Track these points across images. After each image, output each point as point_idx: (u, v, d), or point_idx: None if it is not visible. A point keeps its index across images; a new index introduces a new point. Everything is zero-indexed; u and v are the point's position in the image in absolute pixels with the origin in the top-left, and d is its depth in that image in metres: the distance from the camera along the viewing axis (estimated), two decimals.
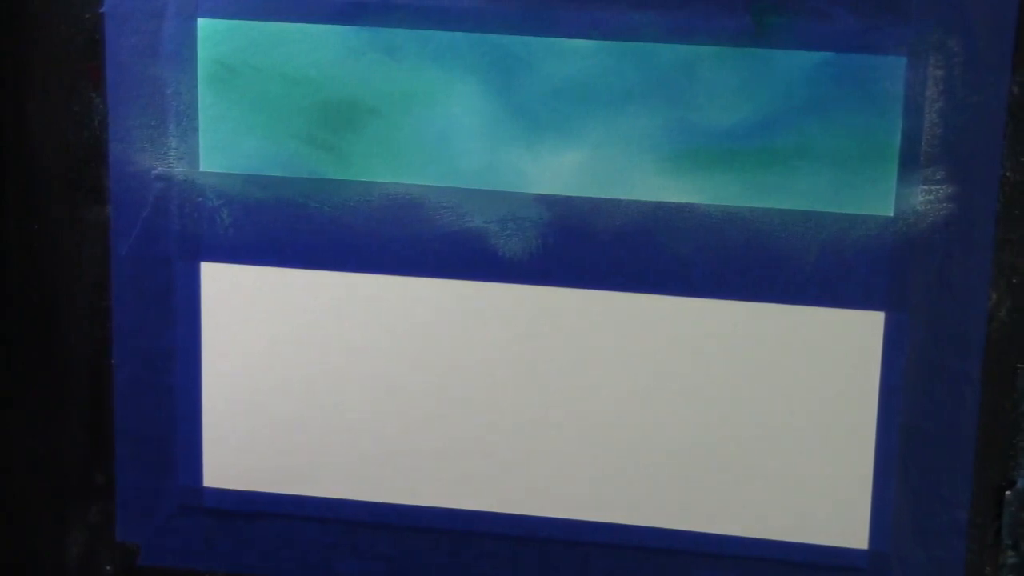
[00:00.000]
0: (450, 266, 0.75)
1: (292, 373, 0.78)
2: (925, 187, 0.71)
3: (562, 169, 0.73)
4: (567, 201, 0.73)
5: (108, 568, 0.82)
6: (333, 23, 0.73)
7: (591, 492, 0.77)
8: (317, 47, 0.74)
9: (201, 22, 0.74)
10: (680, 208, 0.73)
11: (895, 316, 0.72)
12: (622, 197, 0.73)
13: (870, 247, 0.72)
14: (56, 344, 0.80)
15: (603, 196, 0.73)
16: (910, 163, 0.71)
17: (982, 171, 0.71)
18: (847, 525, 0.75)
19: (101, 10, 0.75)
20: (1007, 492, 0.74)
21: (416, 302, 0.76)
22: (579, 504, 0.77)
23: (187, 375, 0.79)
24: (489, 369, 0.76)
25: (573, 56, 0.72)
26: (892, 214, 0.71)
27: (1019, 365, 0.73)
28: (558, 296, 0.75)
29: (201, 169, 0.76)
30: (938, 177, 0.71)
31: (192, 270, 0.77)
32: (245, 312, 0.77)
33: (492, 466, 0.77)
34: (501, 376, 0.76)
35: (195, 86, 0.75)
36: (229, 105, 0.75)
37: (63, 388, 0.81)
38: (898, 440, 0.74)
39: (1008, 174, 0.71)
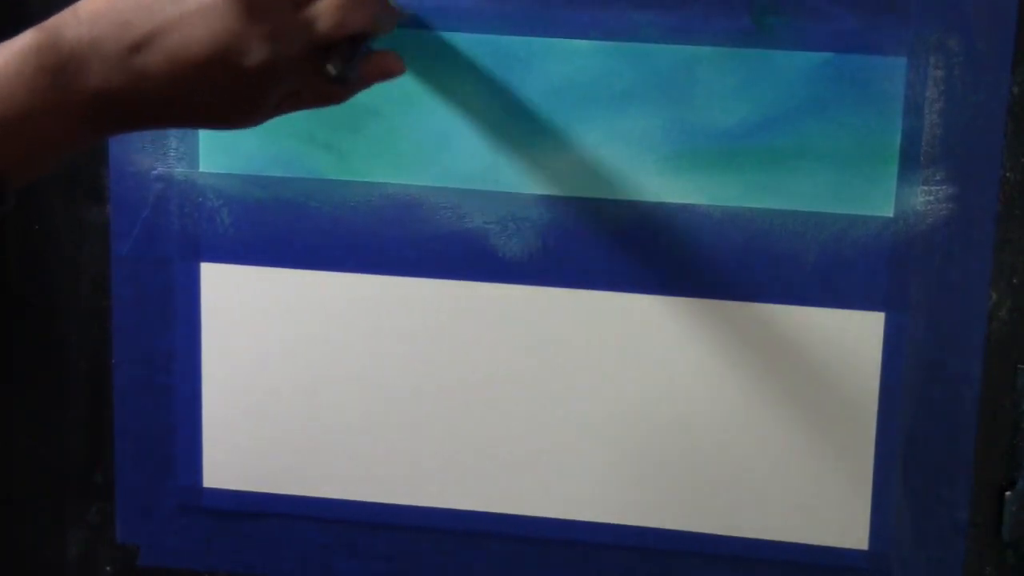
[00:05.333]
0: (450, 266, 0.75)
1: (292, 373, 0.78)
2: (925, 187, 0.71)
3: (562, 169, 0.73)
4: (567, 201, 0.73)
5: (108, 568, 0.82)
6: None
7: (591, 492, 0.77)
8: None
9: None
10: (680, 208, 0.73)
11: (895, 316, 0.72)
12: (622, 197, 0.73)
13: (870, 247, 0.72)
14: (56, 344, 0.80)
15: (603, 196, 0.73)
16: (910, 163, 0.71)
17: (982, 171, 0.71)
18: (847, 525, 0.75)
19: None
20: (1007, 492, 0.74)
21: (416, 302, 0.76)
22: (579, 504, 0.77)
23: (187, 375, 0.78)
24: (489, 369, 0.76)
25: (573, 56, 0.72)
26: (892, 214, 0.71)
27: (1019, 365, 0.73)
28: (558, 296, 0.75)
29: (201, 169, 0.76)
30: (938, 177, 0.71)
31: (192, 270, 0.77)
32: (245, 312, 0.77)
33: (492, 466, 0.77)
34: (501, 376, 0.76)
35: None
36: None
37: (63, 388, 0.81)
38: (898, 440, 0.74)
39: (1008, 174, 0.71)
